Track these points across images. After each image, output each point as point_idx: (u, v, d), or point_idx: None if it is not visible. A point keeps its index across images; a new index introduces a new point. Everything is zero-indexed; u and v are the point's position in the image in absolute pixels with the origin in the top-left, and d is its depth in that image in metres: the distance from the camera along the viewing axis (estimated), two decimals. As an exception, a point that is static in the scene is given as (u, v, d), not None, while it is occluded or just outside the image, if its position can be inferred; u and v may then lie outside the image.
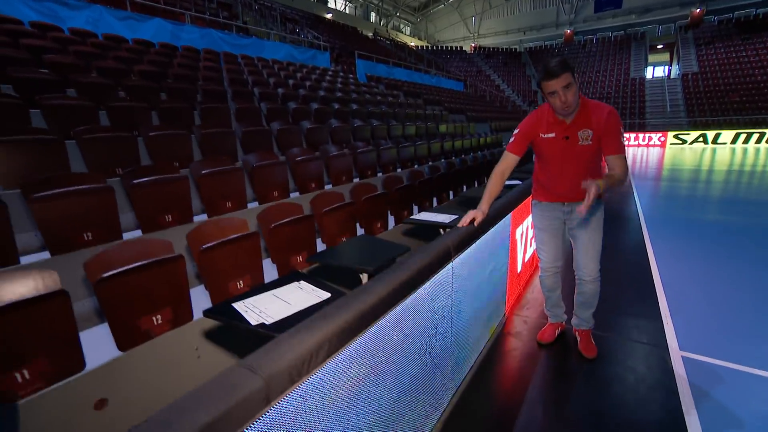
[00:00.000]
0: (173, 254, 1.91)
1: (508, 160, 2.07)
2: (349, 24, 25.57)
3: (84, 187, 2.17)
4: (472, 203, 5.05)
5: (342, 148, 4.81)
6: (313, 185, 3.80)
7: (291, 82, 7.41)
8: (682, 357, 2.12)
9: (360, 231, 3.28)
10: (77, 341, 1.56)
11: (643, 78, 25.46)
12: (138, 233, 2.56)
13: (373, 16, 34.84)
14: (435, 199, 4.60)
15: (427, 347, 1.50)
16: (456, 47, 35.12)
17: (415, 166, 5.71)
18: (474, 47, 35.42)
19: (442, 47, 35.53)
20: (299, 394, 0.87)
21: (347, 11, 31.65)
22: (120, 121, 3.60)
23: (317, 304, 1.41)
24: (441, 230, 2.56)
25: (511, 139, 2.07)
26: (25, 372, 1.40)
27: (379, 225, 3.37)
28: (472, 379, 2.03)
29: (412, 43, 34.65)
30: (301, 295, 1.47)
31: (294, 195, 3.68)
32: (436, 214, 2.83)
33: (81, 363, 1.57)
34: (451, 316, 1.71)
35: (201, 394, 0.74)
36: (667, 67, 28.59)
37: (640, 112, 22.46)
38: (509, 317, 2.71)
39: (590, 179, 1.65)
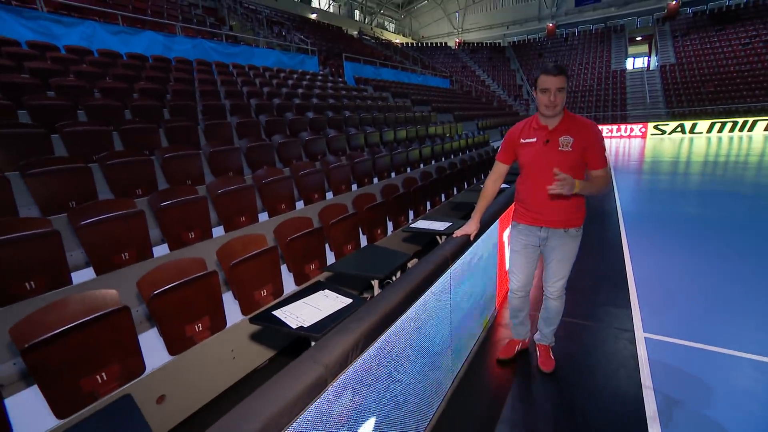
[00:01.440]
0: (207, 271, 2.20)
1: (499, 169, 2.17)
2: (333, 24, 25.65)
3: (122, 212, 2.44)
4: (463, 208, 5.38)
5: (339, 156, 5.11)
6: (316, 196, 4.10)
7: (284, 90, 7.64)
8: (645, 338, 2.51)
9: (363, 238, 3.60)
10: (139, 349, 1.85)
11: (624, 70, 26.15)
12: (164, 248, 2.84)
13: (357, 14, 34.88)
14: (428, 203, 4.95)
15: (433, 339, 1.83)
16: (441, 43, 35.43)
17: (408, 170, 6.04)
18: (458, 43, 35.75)
19: (426, 44, 35.79)
20: (347, 377, 1.19)
21: (331, 10, 31.65)
22: (132, 143, 3.84)
23: (342, 308, 1.73)
24: (438, 237, 2.89)
25: (499, 149, 2.18)
26: (104, 374, 1.70)
27: (379, 231, 3.70)
28: (470, 363, 2.38)
29: (397, 41, 34.82)
30: (328, 301, 1.79)
31: (299, 205, 3.97)
32: (431, 221, 3.16)
33: (142, 366, 1.87)
34: (450, 313, 2.05)
35: (283, 379, 1.06)
36: (646, 59, 29.35)
37: (622, 103, 23.13)
38: (499, 310, 3.07)
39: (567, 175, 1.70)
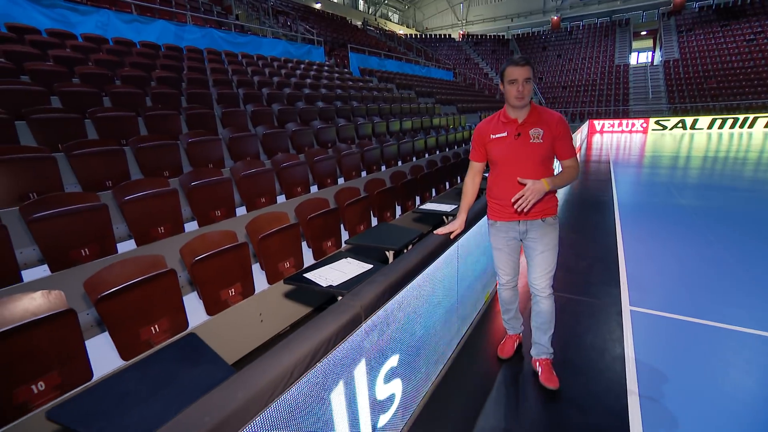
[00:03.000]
0: (239, 242, 2.45)
1: (474, 168, 2.15)
2: (338, 14, 25.59)
3: (158, 190, 2.68)
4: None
5: (349, 144, 5.34)
6: (329, 180, 4.34)
7: (293, 80, 7.83)
8: (630, 310, 2.77)
9: (373, 220, 3.85)
10: (183, 307, 2.11)
11: (627, 64, 26.14)
12: (193, 224, 3.09)
13: (361, 3, 34.70)
14: (434, 190, 5.19)
15: (443, 301, 2.08)
16: (444, 35, 35.30)
17: (414, 159, 6.27)
18: (462, 35, 35.61)
19: (430, 35, 35.66)
20: (377, 318, 1.44)
21: (335, 0, 31.50)
22: (156, 128, 4.07)
23: (365, 272, 1.98)
24: (444, 218, 3.14)
25: (471, 148, 2.14)
26: (156, 326, 1.96)
27: (388, 214, 3.94)
28: (473, 330, 2.64)
29: (401, 32, 34.70)
30: (351, 266, 2.04)
31: (313, 189, 4.21)
32: (438, 204, 3.40)
33: (186, 323, 2.13)
34: (457, 282, 2.30)
35: (331, 313, 1.30)
36: (650, 54, 29.32)
37: (624, 98, 23.20)
38: (500, 287, 3.33)
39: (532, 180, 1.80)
